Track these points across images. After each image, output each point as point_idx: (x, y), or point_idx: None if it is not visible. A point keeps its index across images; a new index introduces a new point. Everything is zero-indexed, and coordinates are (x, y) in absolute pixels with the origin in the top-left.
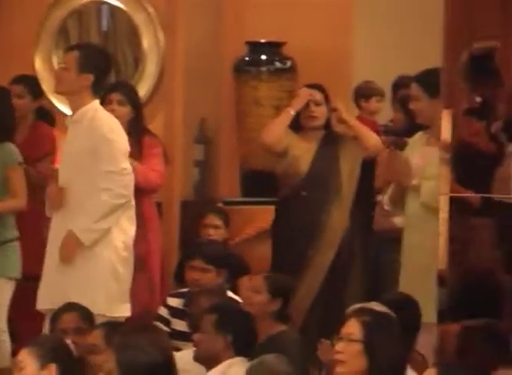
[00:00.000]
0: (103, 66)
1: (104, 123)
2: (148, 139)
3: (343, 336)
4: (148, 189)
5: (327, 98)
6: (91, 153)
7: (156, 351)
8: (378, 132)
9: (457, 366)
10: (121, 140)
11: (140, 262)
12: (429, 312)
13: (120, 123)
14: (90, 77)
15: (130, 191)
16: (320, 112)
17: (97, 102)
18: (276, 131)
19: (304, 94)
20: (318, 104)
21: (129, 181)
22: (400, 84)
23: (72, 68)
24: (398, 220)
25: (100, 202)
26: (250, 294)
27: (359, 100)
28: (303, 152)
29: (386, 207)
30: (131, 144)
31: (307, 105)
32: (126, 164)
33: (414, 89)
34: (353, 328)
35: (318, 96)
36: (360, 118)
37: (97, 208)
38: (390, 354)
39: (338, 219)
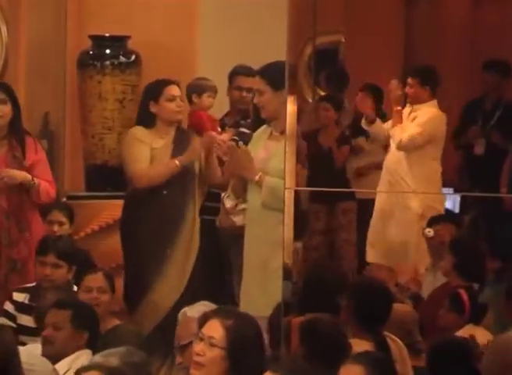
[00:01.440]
0: None
1: None
2: (31, 140)
3: (204, 337)
4: (47, 202)
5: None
6: None
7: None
8: (214, 123)
9: (296, 370)
10: None
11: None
12: (268, 306)
13: (2, 122)
14: None
15: None
16: (184, 107)
17: None
18: (155, 181)
19: (197, 150)
20: (182, 99)
21: None
22: (236, 73)
23: None
24: (238, 219)
25: None
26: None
27: (191, 96)
28: (161, 148)
29: (228, 205)
30: (14, 146)
31: (172, 98)
32: None
33: (258, 83)
34: (216, 332)
35: (179, 91)
36: (194, 112)
37: None
38: (252, 361)
39: (193, 217)
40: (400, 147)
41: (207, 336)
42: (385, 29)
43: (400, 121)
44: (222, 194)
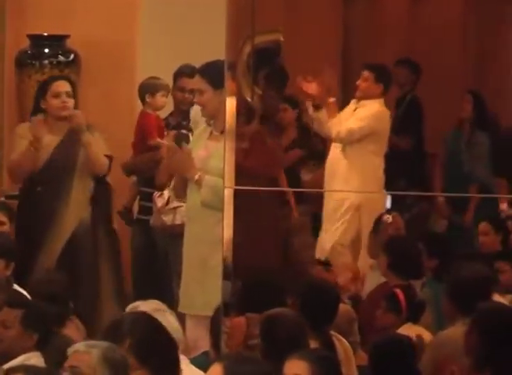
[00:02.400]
0: None
1: None
2: None
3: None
4: None
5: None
6: None
7: None
8: (162, 128)
9: (243, 360)
10: None
11: None
12: (207, 305)
13: None
14: None
15: None
16: (71, 103)
17: None
18: (13, 171)
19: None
20: (69, 95)
21: None
22: (180, 73)
23: None
24: (168, 218)
25: None
26: None
27: (144, 95)
28: (48, 145)
29: (159, 204)
30: None
31: (57, 94)
32: None
33: (198, 82)
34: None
35: (68, 87)
36: (144, 113)
37: None
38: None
39: (70, 212)
40: (336, 139)
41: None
42: (324, 28)
43: (335, 114)
44: (154, 194)
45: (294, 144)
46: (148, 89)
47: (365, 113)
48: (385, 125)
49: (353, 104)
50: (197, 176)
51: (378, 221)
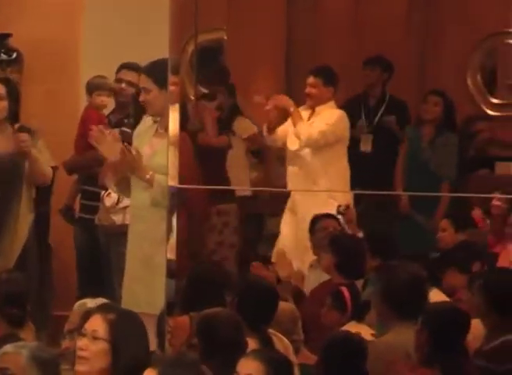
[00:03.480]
0: None
1: None
2: None
3: (87, 332)
4: None
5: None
6: None
7: None
8: (104, 124)
9: (178, 364)
10: None
11: None
12: (154, 303)
13: None
14: None
15: None
16: (2, 105)
17: None
18: None
19: None
20: (1, 98)
21: None
22: (121, 67)
23: None
24: (118, 217)
25: None
26: None
27: (90, 94)
28: None
29: (108, 204)
30: None
31: None
32: None
33: (144, 81)
34: (97, 325)
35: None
36: (88, 111)
37: None
38: (135, 353)
39: (21, 212)
40: (309, 143)
41: (90, 330)
42: (268, 27)
43: (301, 118)
44: (102, 193)
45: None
46: (93, 87)
47: (333, 118)
48: (348, 127)
49: (304, 110)
50: (148, 176)
51: (316, 219)
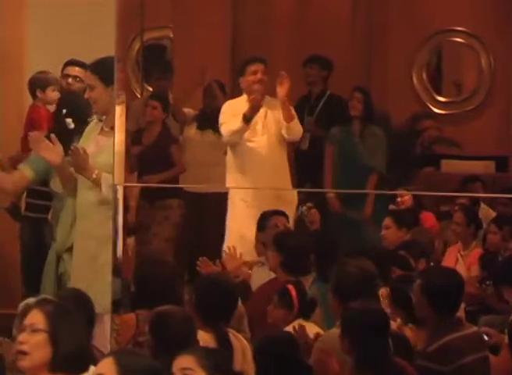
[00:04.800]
0: None
1: None
2: None
3: (26, 327)
4: None
5: None
6: None
7: None
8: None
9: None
10: None
11: None
12: (100, 302)
13: None
14: None
15: None
16: None
17: None
18: None
19: None
20: None
21: None
22: (66, 63)
23: None
24: None
25: None
26: None
27: (35, 90)
28: None
29: None
30: None
31: None
32: None
33: (89, 78)
34: (36, 318)
35: None
36: (34, 107)
37: None
38: (74, 343)
39: None
40: (295, 139)
41: (28, 324)
42: (213, 24)
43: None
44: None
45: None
46: (39, 83)
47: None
48: None
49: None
50: (94, 175)
51: (265, 218)
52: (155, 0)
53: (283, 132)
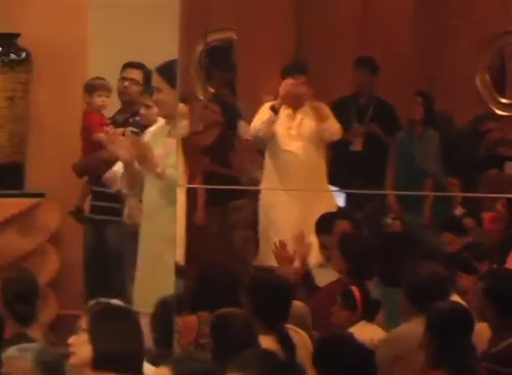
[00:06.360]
0: None
1: None
2: None
3: (77, 328)
4: None
5: None
6: None
7: None
8: (106, 125)
9: (190, 360)
10: None
11: None
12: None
13: None
14: None
15: None
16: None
17: None
18: None
19: None
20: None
21: None
22: (125, 65)
23: None
24: None
25: None
26: None
27: (86, 95)
28: None
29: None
30: None
31: None
32: None
33: (157, 81)
34: (83, 319)
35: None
36: (85, 112)
37: None
38: (114, 342)
39: None
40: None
41: (79, 326)
42: (277, 26)
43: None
44: None
45: (216, 144)
46: (87, 89)
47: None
48: None
49: (288, 110)
50: (159, 169)
51: (328, 220)
52: (218, 1)
53: (320, 135)
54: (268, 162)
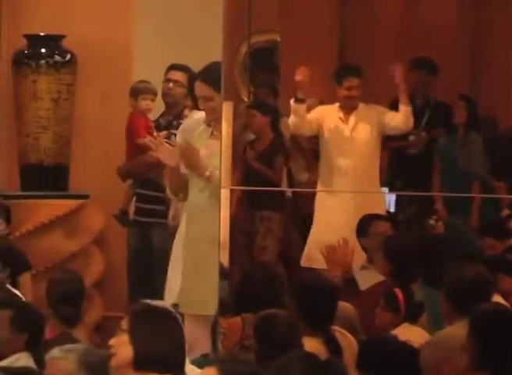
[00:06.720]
0: None
1: None
2: None
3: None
4: None
5: None
6: None
7: None
8: (151, 128)
9: (236, 361)
10: None
11: None
12: (209, 304)
13: None
14: None
15: None
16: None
17: None
18: None
19: None
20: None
21: None
22: (169, 67)
23: None
24: None
25: None
26: None
27: (132, 99)
28: None
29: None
30: None
31: None
32: None
33: (204, 89)
34: (125, 320)
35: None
36: (131, 115)
37: None
38: (154, 343)
39: None
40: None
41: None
42: (321, 28)
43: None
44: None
45: (271, 148)
46: (132, 92)
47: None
48: None
49: (340, 110)
50: (208, 173)
51: (365, 223)
52: (263, 3)
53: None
54: (322, 165)
